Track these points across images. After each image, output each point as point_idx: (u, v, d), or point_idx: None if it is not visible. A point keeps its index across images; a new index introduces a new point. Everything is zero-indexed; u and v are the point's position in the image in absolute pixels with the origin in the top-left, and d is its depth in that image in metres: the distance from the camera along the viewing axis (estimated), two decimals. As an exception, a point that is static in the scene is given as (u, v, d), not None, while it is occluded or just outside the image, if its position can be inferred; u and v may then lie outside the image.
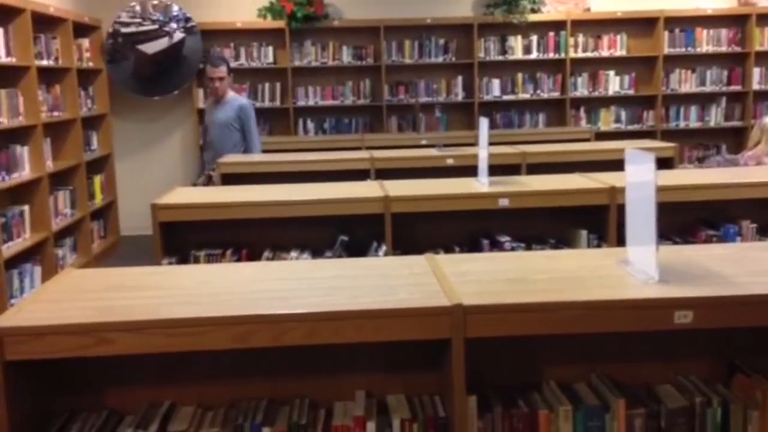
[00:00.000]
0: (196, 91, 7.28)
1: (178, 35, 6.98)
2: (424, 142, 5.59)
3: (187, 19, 7.03)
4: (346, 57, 7.28)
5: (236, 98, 5.37)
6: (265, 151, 5.46)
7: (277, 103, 7.35)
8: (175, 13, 7.02)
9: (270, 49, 7.28)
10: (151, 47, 6.99)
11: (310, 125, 7.41)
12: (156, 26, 7.01)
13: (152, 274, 1.90)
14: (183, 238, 3.15)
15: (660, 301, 1.55)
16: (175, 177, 7.27)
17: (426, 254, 1.96)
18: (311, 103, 7.36)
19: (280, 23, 7.13)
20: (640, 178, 1.70)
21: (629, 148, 1.80)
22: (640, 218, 1.72)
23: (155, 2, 7.02)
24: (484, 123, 3.17)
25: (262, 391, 1.80)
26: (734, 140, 7.59)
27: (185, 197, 3.24)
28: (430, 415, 1.70)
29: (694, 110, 7.59)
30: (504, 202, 2.99)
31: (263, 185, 3.47)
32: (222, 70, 5.22)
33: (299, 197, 3.07)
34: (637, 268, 1.74)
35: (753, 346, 1.81)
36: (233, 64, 7.29)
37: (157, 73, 7.04)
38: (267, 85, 7.35)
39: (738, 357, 1.82)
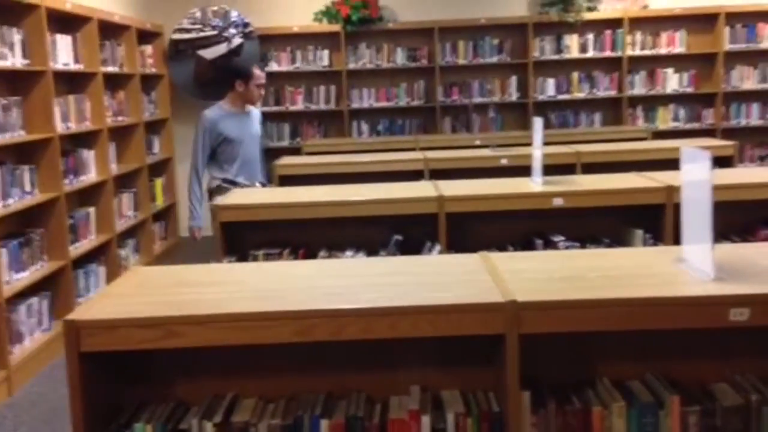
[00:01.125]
0: (253, 94, 7.43)
1: (237, 40, 7.15)
2: (477, 142, 5.60)
3: (245, 25, 7.19)
4: (400, 59, 7.34)
5: (252, 107, 4.84)
6: (319, 153, 5.53)
7: (332, 105, 7.45)
8: (233, 19, 7.19)
9: (325, 52, 7.40)
10: (210, 53, 7.18)
11: (364, 127, 7.50)
12: (215, 32, 7.20)
13: (215, 271, 1.99)
14: (242, 238, 3.24)
15: (715, 299, 1.55)
16: (233, 179, 7.44)
17: (480, 252, 1.99)
18: (365, 105, 7.44)
19: (336, 27, 7.23)
20: (696, 177, 1.70)
21: (686, 146, 1.79)
22: (696, 216, 1.72)
23: (215, 8, 7.21)
24: (538, 122, 3.18)
25: (321, 385, 1.86)
26: (800, 138, 7.37)
27: (244, 198, 3.34)
28: (484, 409, 1.73)
29: (756, 108, 7.40)
30: (558, 202, 2.99)
31: (320, 186, 3.54)
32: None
33: (355, 197, 3.13)
34: (692, 266, 1.74)
35: (813, 346, 1.79)
36: (290, 68, 7.45)
37: (216, 78, 7.23)
38: (322, 87, 7.47)
39: (797, 356, 1.80)
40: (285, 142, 7.50)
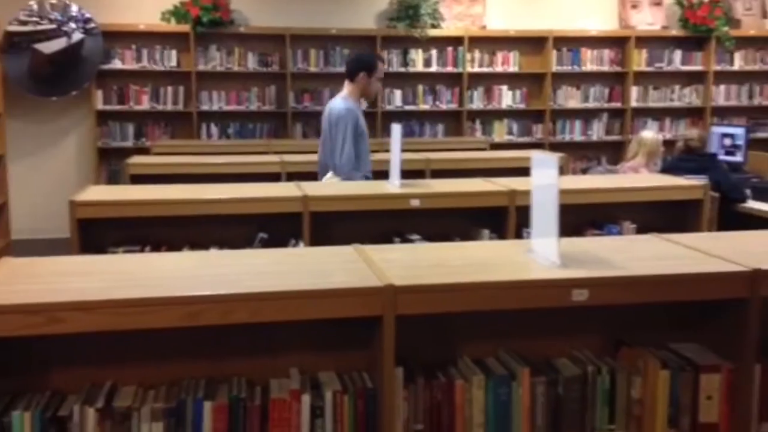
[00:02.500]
0: (95, 92, 7.15)
1: (77, 36, 6.85)
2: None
3: (87, 20, 6.91)
4: (252, 63, 7.35)
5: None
6: (169, 154, 5.43)
7: (180, 106, 7.32)
8: (73, 14, 6.89)
9: (173, 52, 7.25)
10: (48, 47, 6.83)
11: (214, 130, 7.42)
12: (54, 26, 6.86)
13: (96, 261, 1.98)
14: (100, 237, 3.17)
15: (560, 281, 1.79)
16: (70, 180, 7.09)
17: (353, 245, 2.13)
18: (215, 107, 7.37)
19: (185, 27, 7.12)
20: (545, 178, 1.94)
21: (531, 154, 2.04)
22: (544, 213, 1.96)
23: (54, 1, 6.86)
24: (396, 129, 3.39)
25: (200, 372, 1.91)
26: (614, 153, 8.19)
27: (102, 194, 3.27)
28: (359, 387, 1.87)
29: (578, 124, 8.15)
30: (415, 203, 3.21)
31: (183, 184, 3.53)
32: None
33: (220, 196, 3.17)
34: (540, 256, 1.99)
35: (635, 323, 2.09)
36: (135, 67, 7.24)
37: (54, 73, 6.88)
38: (170, 88, 7.31)
39: (623, 333, 2.09)
40: (129, 143, 7.25)
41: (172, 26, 7.16)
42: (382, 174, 3.51)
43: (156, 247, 3.15)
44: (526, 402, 1.92)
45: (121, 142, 7.26)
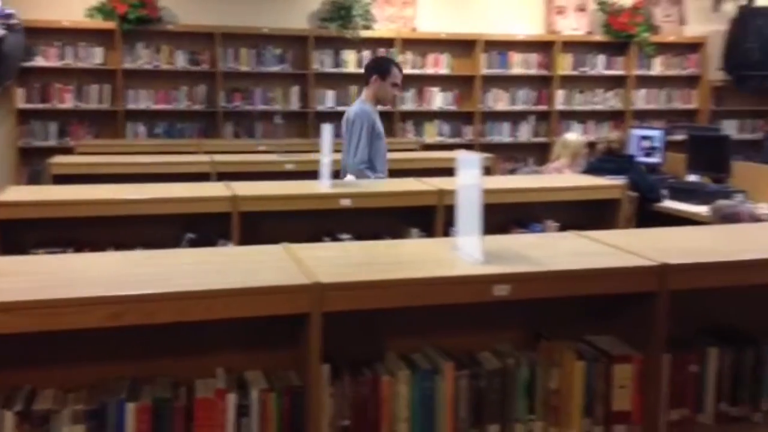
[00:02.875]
0: (16, 90, 6.92)
1: (-2, 31, 6.62)
2: (261, 148, 5.74)
3: (9, 15, 6.67)
4: (181, 61, 7.25)
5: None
6: (94, 154, 5.31)
7: (106, 105, 7.16)
8: (-6, 8, 6.65)
9: (99, 49, 7.10)
10: (-35, 42, 6.57)
11: (141, 129, 7.29)
12: (-28, 20, 6.60)
13: (12, 262, 1.93)
14: (19, 238, 3.09)
15: (482, 277, 1.85)
16: (-10, 179, 6.85)
17: (282, 243, 2.14)
18: (142, 106, 7.24)
19: (111, 24, 6.97)
20: (469, 179, 2.00)
21: (455, 155, 2.10)
22: (468, 211, 2.02)
23: (-29, -6, 6.61)
24: (327, 129, 3.41)
25: (125, 372, 1.89)
26: (541, 154, 8.40)
27: (22, 195, 3.18)
28: (286, 385, 1.88)
29: (506, 126, 8.33)
30: (345, 202, 3.24)
31: (107, 184, 3.46)
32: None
33: (144, 195, 3.13)
34: (465, 253, 2.04)
35: (555, 318, 2.17)
36: (58, 64, 7.03)
37: (-28, 70, 6.63)
38: (94, 86, 7.14)
39: (543, 327, 2.17)
40: (52, 142, 7.06)
41: (98, 23, 7.00)
42: (313, 174, 3.52)
43: (79, 249, 3.08)
44: (449, 395, 1.97)
45: (44, 141, 7.06)
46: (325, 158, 3.38)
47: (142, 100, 7.23)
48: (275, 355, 1.98)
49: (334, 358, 1.94)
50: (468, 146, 8.01)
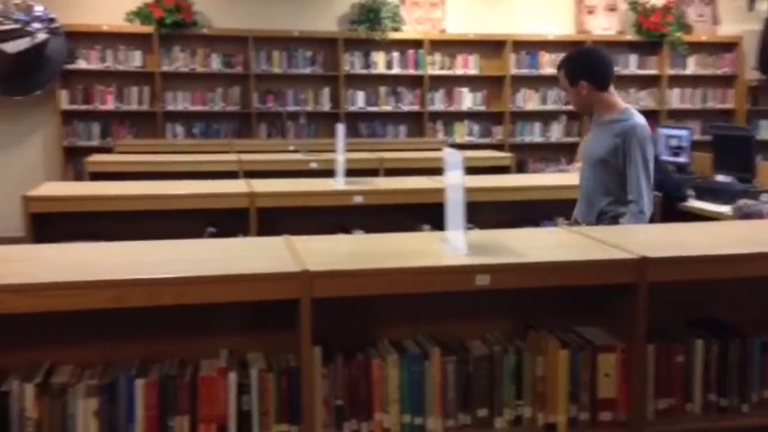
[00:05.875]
0: (59, 92, 7.23)
1: (41, 35, 6.92)
2: (291, 148, 5.91)
3: (51, 20, 6.98)
4: (216, 64, 7.48)
5: (626, 114, 3.23)
6: (132, 153, 5.52)
7: (145, 106, 7.42)
8: (38, 13, 6.96)
9: (138, 53, 7.36)
10: (11, 46, 6.89)
11: (179, 129, 7.54)
12: (18, 25, 6.92)
13: (34, 250, 2.11)
14: (52, 232, 3.29)
15: (464, 267, 1.96)
16: (36, 179, 7.11)
17: (283, 236, 2.28)
18: (180, 108, 7.49)
19: (149, 28, 7.23)
20: (455, 177, 2.11)
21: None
22: (455, 206, 2.14)
23: (18, 2, 6.93)
24: (340, 129, 3.54)
25: (135, 353, 2.05)
26: (572, 154, 8.41)
27: (55, 190, 3.39)
28: (283, 366, 2.02)
29: (537, 126, 8.37)
30: (358, 199, 3.37)
31: (135, 181, 3.66)
32: (561, 80, 3.32)
33: (170, 191, 3.31)
34: (452, 245, 2.16)
35: (543, 309, 2.26)
36: (99, 67, 7.30)
37: (18, 73, 6.94)
38: (134, 88, 7.41)
39: (532, 318, 2.27)
40: (95, 142, 7.35)
41: (136, 27, 7.26)
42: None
43: (107, 241, 3.27)
44: (437, 379, 2.09)
45: (87, 141, 7.35)
46: (340, 157, 3.52)
47: (179, 101, 7.48)
48: (275, 338, 2.11)
49: (329, 342, 2.08)
50: (498, 146, 8.08)
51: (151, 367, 2.00)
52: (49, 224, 3.26)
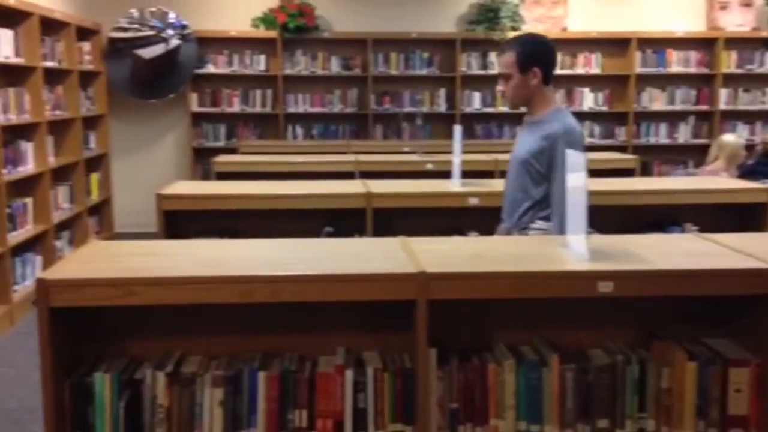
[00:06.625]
0: (190, 95, 7.61)
1: (174, 42, 7.31)
2: (406, 149, 5.95)
3: (183, 27, 7.36)
4: (335, 67, 7.64)
5: (557, 115, 2.98)
6: (255, 153, 5.74)
7: (268, 108, 7.69)
8: (171, 21, 7.36)
9: (262, 57, 7.64)
10: (147, 52, 7.32)
11: (299, 131, 7.76)
12: (153, 32, 7.34)
13: (166, 246, 2.23)
14: (183, 228, 3.48)
15: (586, 273, 1.90)
16: (167, 177, 7.56)
17: (399, 237, 2.30)
18: (300, 110, 7.71)
19: (273, 33, 7.48)
20: (577, 177, 2.05)
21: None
22: (577, 210, 2.07)
23: (153, 9, 7.35)
24: (457, 131, 3.53)
25: (259, 346, 2.12)
26: (701, 156, 7.96)
27: (186, 189, 3.57)
28: (399, 366, 2.04)
29: (663, 127, 8.01)
30: (474, 201, 3.34)
31: (258, 181, 3.80)
32: (508, 61, 2.98)
33: (290, 191, 3.41)
34: (572, 250, 2.10)
35: (670, 319, 2.16)
36: (227, 71, 7.64)
37: (153, 77, 7.37)
38: (258, 91, 7.70)
39: (658, 327, 2.17)
40: (221, 143, 7.69)
41: (261, 32, 7.54)
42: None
43: (232, 237, 3.41)
44: (555, 387, 2.03)
45: (214, 142, 7.71)
46: (456, 158, 3.50)
47: (300, 103, 7.70)
48: (391, 338, 2.13)
49: (446, 344, 2.07)
50: (621, 148, 7.80)
51: (272, 361, 2.07)
52: (178, 220, 3.44)
